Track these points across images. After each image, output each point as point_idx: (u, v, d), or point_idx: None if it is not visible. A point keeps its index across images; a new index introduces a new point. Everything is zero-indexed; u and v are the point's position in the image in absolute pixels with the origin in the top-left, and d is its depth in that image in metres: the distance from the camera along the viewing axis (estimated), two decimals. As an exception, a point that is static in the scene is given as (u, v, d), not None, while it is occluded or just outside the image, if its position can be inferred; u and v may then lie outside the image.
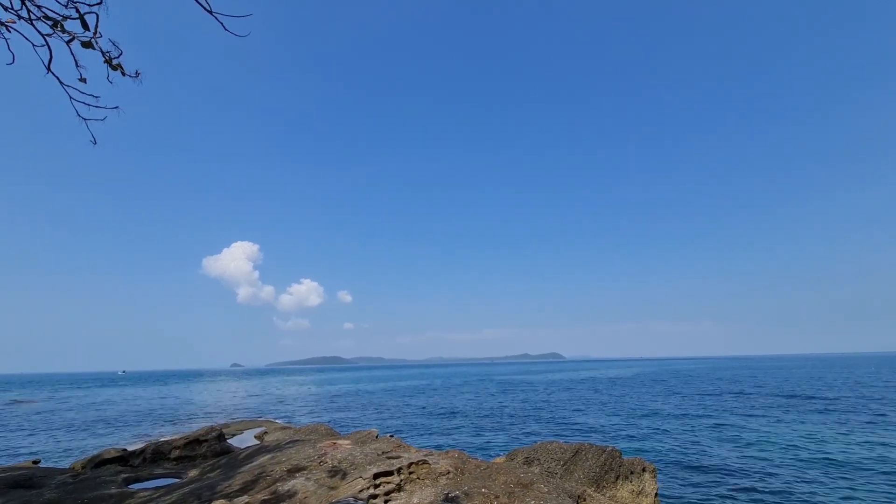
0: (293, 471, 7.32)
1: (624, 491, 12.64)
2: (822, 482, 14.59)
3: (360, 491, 6.13)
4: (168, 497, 7.93)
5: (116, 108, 5.53)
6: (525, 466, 13.36)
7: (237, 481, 7.54)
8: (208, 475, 10.01)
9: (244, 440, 21.67)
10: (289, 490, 6.39)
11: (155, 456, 16.17)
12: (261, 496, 6.32)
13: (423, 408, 37.77)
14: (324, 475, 6.90)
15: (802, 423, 24.86)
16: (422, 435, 24.64)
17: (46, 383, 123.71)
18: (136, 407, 45.04)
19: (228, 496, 6.63)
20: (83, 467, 16.18)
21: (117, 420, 34.23)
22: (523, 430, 25.10)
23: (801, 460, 17.13)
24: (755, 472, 15.77)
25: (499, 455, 15.20)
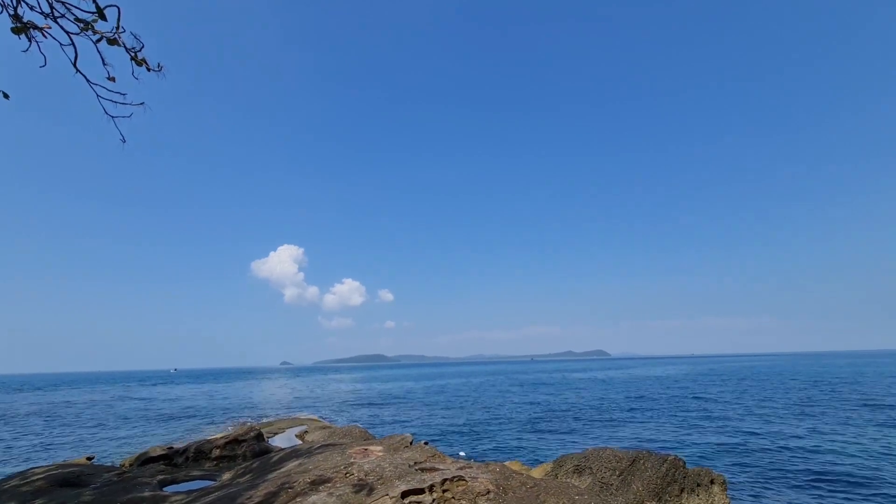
0: (317, 483, 6.66)
1: (691, 507, 11.25)
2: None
3: (387, 511, 5.34)
4: (192, 506, 7.51)
5: (142, 104, 5.17)
6: (575, 477, 12.16)
7: (259, 492, 6.97)
8: (238, 480, 9.63)
9: (287, 438, 21.64)
10: (309, 507, 5.72)
11: (197, 455, 16.27)
12: (279, 513, 5.69)
13: (462, 408, 36.78)
14: (348, 490, 6.16)
15: (890, 430, 21.73)
16: (460, 438, 23.35)
17: (105, 381, 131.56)
18: (187, 404, 46.79)
19: (246, 511, 6.06)
20: (130, 465, 16.55)
21: (167, 417, 35.54)
22: (569, 434, 23.46)
23: (893, 472, 14.80)
24: (839, 486, 13.72)
25: (544, 461, 14.03)
